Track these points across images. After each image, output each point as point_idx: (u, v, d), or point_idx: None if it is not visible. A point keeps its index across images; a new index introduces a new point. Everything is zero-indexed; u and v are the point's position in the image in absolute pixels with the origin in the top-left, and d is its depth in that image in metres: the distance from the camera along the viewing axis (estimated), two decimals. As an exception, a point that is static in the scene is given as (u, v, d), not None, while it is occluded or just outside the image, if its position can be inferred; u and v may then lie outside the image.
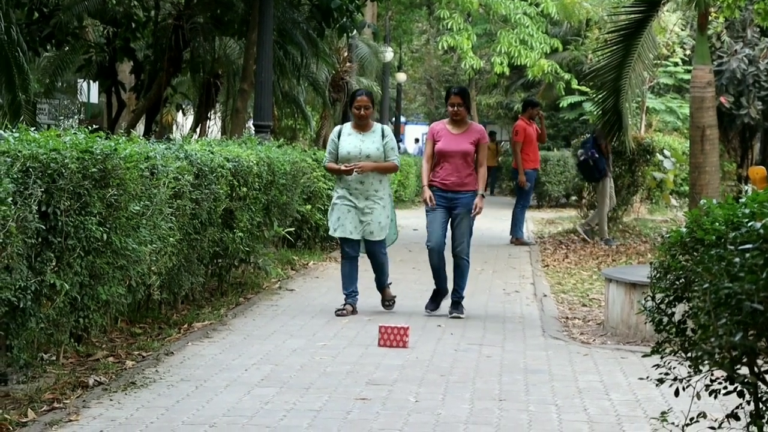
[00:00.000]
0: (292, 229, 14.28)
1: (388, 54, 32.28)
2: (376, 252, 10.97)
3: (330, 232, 10.93)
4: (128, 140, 8.42)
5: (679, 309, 5.03)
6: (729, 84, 25.27)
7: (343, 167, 10.69)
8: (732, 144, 27.36)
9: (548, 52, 31.01)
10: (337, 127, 11.04)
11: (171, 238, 8.89)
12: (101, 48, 21.35)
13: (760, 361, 4.62)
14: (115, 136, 8.20)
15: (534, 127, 18.57)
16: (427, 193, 10.75)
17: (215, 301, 11.06)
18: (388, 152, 10.86)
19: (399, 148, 37.46)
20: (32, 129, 7.37)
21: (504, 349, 9.23)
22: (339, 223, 10.78)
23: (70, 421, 6.32)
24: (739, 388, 4.65)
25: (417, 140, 69.89)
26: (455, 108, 10.71)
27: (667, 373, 4.96)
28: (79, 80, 28.13)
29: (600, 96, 17.24)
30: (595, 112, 17.68)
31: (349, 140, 10.81)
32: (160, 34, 20.01)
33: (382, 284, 11.13)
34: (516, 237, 18.82)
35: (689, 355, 4.84)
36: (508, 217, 26.67)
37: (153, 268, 8.82)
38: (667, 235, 5.13)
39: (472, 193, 10.68)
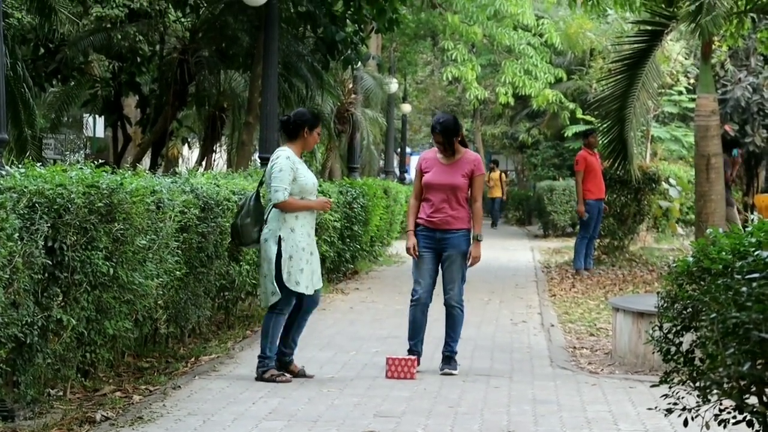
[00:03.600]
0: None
1: (393, 85, 32.30)
2: (316, 303, 9.20)
3: (300, 289, 8.80)
4: (134, 174, 8.43)
5: (687, 338, 5.03)
6: (733, 112, 25.32)
7: (322, 202, 9.15)
8: (737, 172, 27.35)
9: (552, 81, 31.10)
10: (286, 152, 8.94)
11: (177, 272, 8.89)
12: (107, 83, 21.44)
13: (768, 390, 4.61)
14: (121, 171, 8.21)
15: (597, 157, 17.96)
16: (412, 241, 9.41)
17: (222, 335, 11.05)
18: None
19: (404, 179, 37.59)
20: (38, 164, 7.39)
21: (512, 379, 9.20)
22: (311, 279, 8.89)
23: (78, 456, 6.31)
24: (748, 418, 4.64)
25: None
26: (440, 146, 9.45)
27: (675, 403, 4.95)
28: (84, 115, 28.24)
29: (605, 125, 17.27)
30: (600, 142, 17.68)
31: (306, 170, 9.01)
32: (165, 68, 20.09)
33: (293, 348, 9.12)
34: (575, 268, 18.27)
35: (698, 384, 4.83)
36: (514, 247, 26.77)
37: (160, 302, 8.81)
38: (674, 265, 5.13)
39: (464, 232, 9.39)
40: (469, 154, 9.52)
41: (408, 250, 9.45)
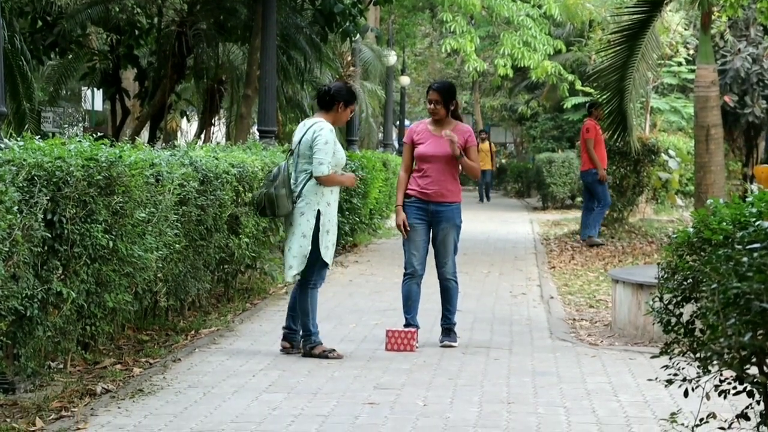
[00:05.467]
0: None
1: (392, 57, 32.21)
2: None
3: (329, 261, 8.87)
4: (133, 147, 8.41)
5: (688, 309, 5.02)
6: (733, 83, 25.27)
7: (352, 178, 9.17)
8: (737, 143, 27.36)
9: (551, 53, 31.02)
10: (327, 124, 8.80)
11: (177, 245, 8.89)
12: (105, 56, 21.35)
13: (769, 361, 4.61)
14: (119, 144, 8.19)
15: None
16: (402, 217, 9.30)
17: (222, 307, 11.06)
18: None
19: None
20: (37, 137, 7.38)
21: (511, 351, 9.21)
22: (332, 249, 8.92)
23: (78, 429, 6.32)
24: (748, 388, 4.64)
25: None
26: (433, 105, 9.28)
27: (675, 374, 4.95)
28: (83, 88, 28.15)
29: (604, 97, 17.22)
30: (599, 113, 17.63)
31: (339, 145, 8.94)
32: (163, 41, 20.00)
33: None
34: (582, 238, 18.16)
35: (698, 355, 4.83)
36: (513, 219, 26.76)
37: (159, 275, 8.81)
38: (674, 236, 5.12)
39: (457, 205, 9.36)
40: (461, 125, 9.45)
41: (398, 226, 9.38)
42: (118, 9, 19.17)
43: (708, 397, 4.88)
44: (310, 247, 8.67)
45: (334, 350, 8.78)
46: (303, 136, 8.80)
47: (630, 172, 19.65)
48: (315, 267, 8.74)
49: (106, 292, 7.56)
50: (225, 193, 10.14)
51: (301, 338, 8.85)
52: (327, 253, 8.74)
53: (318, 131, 8.72)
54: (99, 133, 8.24)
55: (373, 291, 12.89)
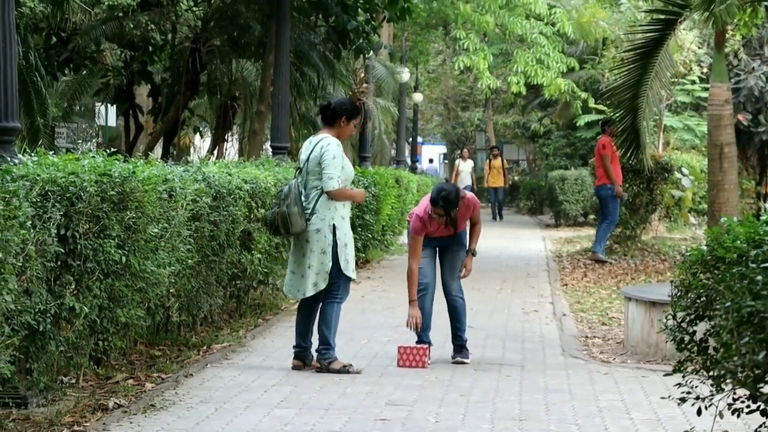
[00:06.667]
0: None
1: (405, 74, 32.25)
2: None
3: (354, 276, 8.97)
4: (146, 163, 8.43)
5: (701, 327, 5.01)
6: (747, 101, 25.20)
7: (362, 193, 9.38)
8: (750, 161, 27.26)
9: (565, 71, 31.02)
10: (334, 139, 8.83)
11: (189, 260, 8.90)
12: (119, 71, 21.43)
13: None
14: (133, 159, 8.21)
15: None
16: (417, 312, 9.27)
17: (234, 323, 11.06)
18: None
19: (416, 168, 37.49)
20: (51, 153, 7.40)
21: (524, 368, 9.19)
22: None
23: (90, 444, 6.32)
24: (762, 407, 4.63)
25: (431, 160, 70.06)
26: (442, 218, 9.17)
27: (689, 392, 4.94)
28: (97, 104, 28.27)
29: (617, 115, 17.19)
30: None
31: (347, 159, 9.00)
32: (177, 57, 20.07)
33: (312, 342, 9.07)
34: (593, 251, 18.21)
35: (711, 373, 4.81)
36: (526, 236, 26.72)
37: (172, 291, 8.82)
38: (688, 254, 5.11)
39: (463, 232, 9.48)
40: (463, 204, 9.30)
41: (408, 323, 9.33)
42: (132, 25, 19.24)
43: (721, 415, 4.87)
44: (330, 263, 8.70)
45: (351, 365, 8.81)
46: (311, 153, 8.82)
47: (643, 189, 19.60)
48: (340, 281, 8.79)
49: (119, 307, 7.57)
50: (238, 209, 10.15)
51: (316, 351, 8.85)
52: (348, 266, 8.78)
53: (325, 147, 8.75)
54: (112, 149, 8.25)
55: (385, 307, 12.88)
